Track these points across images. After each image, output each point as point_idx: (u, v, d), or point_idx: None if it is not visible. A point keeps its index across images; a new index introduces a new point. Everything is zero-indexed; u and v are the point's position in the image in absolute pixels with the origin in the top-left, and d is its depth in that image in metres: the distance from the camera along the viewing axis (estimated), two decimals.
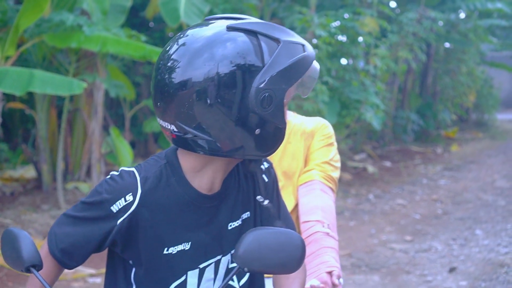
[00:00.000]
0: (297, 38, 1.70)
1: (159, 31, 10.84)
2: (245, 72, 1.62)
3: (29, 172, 8.20)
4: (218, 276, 1.87)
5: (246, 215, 1.90)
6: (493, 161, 12.50)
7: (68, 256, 1.81)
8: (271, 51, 1.65)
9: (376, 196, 9.10)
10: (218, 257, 1.85)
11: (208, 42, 1.64)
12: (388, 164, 11.72)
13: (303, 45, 1.69)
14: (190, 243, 1.79)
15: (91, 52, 7.46)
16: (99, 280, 5.54)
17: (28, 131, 9.66)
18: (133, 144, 10.30)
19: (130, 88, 8.82)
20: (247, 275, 1.90)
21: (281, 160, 2.56)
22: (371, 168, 10.78)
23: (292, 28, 9.84)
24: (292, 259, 1.62)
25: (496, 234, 7.04)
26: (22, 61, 7.98)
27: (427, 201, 8.85)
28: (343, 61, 9.84)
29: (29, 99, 8.37)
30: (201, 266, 1.82)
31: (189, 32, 1.70)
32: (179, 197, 1.79)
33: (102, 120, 7.38)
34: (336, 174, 2.59)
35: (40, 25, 6.79)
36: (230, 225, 1.86)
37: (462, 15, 14.51)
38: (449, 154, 13.39)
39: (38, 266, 1.78)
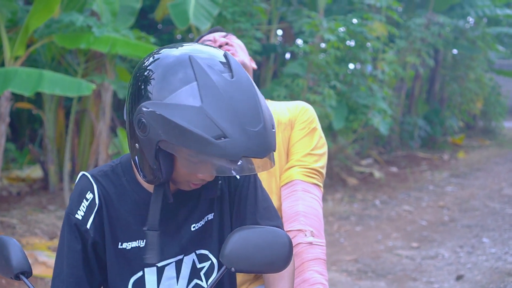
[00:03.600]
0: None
1: (168, 33, 10.86)
2: (146, 87, 1.60)
3: (35, 172, 8.20)
4: (181, 275, 1.86)
5: (210, 216, 1.88)
6: (500, 168, 12.45)
7: None
8: (189, 94, 1.54)
9: (382, 202, 9.07)
10: (179, 257, 1.84)
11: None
12: (394, 169, 11.69)
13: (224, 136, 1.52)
14: (144, 240, 1.79)
15: (100, 53, 7.46)
16: None
17: (35, 131, 9.67)
18: None
19: None
20: (215, 274, 1.88)
21: None
22: (377, 174, 10.75)
23: (301, 32, 9.84)
24: (279, 257, 1.61)
25: (504, 243, 7.00)
26: (31, 61, 7.99)
27: (433, 208, 8.82)
28: (351, 66, 9.83)
29: (37, 99, 8.38)
30: (159, 264, 1.81)
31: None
32: (129, 196, 1.80)
33: (109, 121, 7.37)
34: (321, 163, 2.40)
35: (50, 26, 6.80)
36: (194, 226, 1.85)
37: (471, 22, 14.48)
38: (456, 161, 13.35)
39: (27, 273, 1.79)
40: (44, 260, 5.59)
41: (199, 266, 1.87)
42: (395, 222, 7.93)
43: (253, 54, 8.38)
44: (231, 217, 1.92)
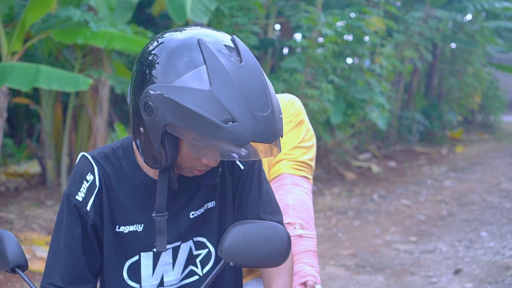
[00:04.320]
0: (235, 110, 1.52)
1: (165, 28, 10.82)
2: (151, 71, 1.60)
3: (33, 167, 8.19)
4: (177, 262, 1.86)
5: (211, 204, 1.88)
6: (499, 163, 12.46)
7: (78, 283, 1.81)
8: (196, 78, 1.54)
9: (380, 196, 9.07)
10: (176, 243, 1.84)
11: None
12: (392, 164, 11.69)
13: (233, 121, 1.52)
14: (142, 225, 1.80)
15: (97, 48, 7.45)
16: None
17: (33, 126, 9.65)
18: None
19: None
20: (211, 262, 1.88)
21: None
22: (375, 168, 10.75)
23: (298, 27, 9.82)
24: (278, 252, 1.62)
25: (502, 237, 7.00)
26: (28, 56, 7.97)
27: (431, 202, 8.82)
28: (349, 60, 9.82)
29: (35, 94, 8.36)
30: (155, 249, 1.80)
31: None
32: (129, 180, 1.81)
33: (107, 116, 7.36)
34: (309, 155, 2.40)
35: (47, 21, 6.78)
36: (193, 214, 1.85)
37: (469, 16, 14.47)
38: (454, 155, 13.36)
39: (23, 266, 1.79)
40: (42, 255, 5.58)
41: (195, 253, 1.88)
42: (393, 217, 7.93)
43: (251, 48, 8.36)
44: (233, 207, 1.91)
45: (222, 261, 1.64)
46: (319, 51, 8.88)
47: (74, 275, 1.80)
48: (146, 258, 1.83)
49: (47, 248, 5.69)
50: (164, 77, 1.55)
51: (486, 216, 7.99)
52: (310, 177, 2.42)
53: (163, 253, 1.84)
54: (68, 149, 7.85)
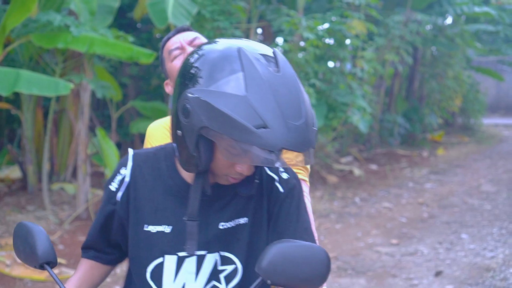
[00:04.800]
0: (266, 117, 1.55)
1: (147, 32, 10.81)
2: (191, 77, 1.64)
3: (14, 172, 8.14)
4: (201, 272, 1.84)
5: (243, 220, 1.86)
6: (479, 165, 12.56)
7: (92, 248, 1.95)
8: (233, 84, 1.58)
9: (362, 199, 9.11)
10: (202, 252, 1.83)
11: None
12: (374, 167, 11.74)
13: (264, 126, 1.53)
14: (171, 227, 1.81)
15: (78, 53, 7.42)
16: None
17: (13, 131, 9.59)
18: (119, 145, 10.26)
19: (116, 89, 8.78)
20: (237, 279, 1.86)
21: None
22: (357, 171, 10.80)
23: (280, 31, 9.85)
24: (317, 274, 1.59)
25: (482, 239, 7.06)
26: (9, 61, 7.92)
27: (413, 205, 8.87)
28: (330, 64, 9.85)
29: (15, 99, 8.32)
30: (180, 254, 1.81)
31: None
32: (164, 181, 1.83)
33: (88, 121, 7.34)
34: None
35: (27, 25, 6.75)
36: (222, 225, 1.83)
37: (449, 20, 14.58)
38: (435, 158, 13.44)
39: (52, 263, 1.79)
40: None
41: (220, 268, 1.85)
42: (375, 219, 7.97)
43: None
44: (268, 228, 1.90)
45: (260, 278, 1.62)
46: (301, 55, 8.90)
47: (95, 240, 1.94)
48: (169, 262, 1.83)
49: None
50: (204, 82, 1.61)
51: (467, 218, 8.05)
52: (307, 179, 2.49)
53: (187, 260, 1.83)
54: (49, 154, 7.81)
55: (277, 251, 1.59)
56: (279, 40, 10.11)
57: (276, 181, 1.89)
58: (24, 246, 1.79)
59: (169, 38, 2.48)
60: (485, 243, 6.85)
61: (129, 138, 10.59)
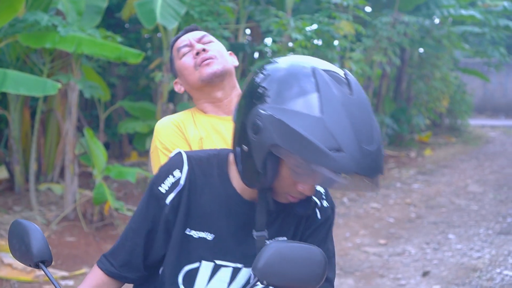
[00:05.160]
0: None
1: (135, 32, 10.80)
2: (263, 92, 1.63)
3: (1, 173, 8.10)
4: (234, 284, 1.83)
5: (281, 238, 1.83)
6: (466, 166, 12.62)
7: (130, 269, 1.84)
8: (308, 104, 1.56)
9: (350, 200, 9.13)
10: (238, 265, 1.82)
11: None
12: None
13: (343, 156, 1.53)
14: (213, 236, 1.79)
15: (66, 53, 7.40)
16: (72, 283, 5.50)
17: (0, 131, 9.55)
18: (107, 146, 10.23)
19: (104, 89, 8.76)
20: None
21: None
22: None
23: (268, 32, 9.86)
24: (313, 275, 1.59)
25: (469, 239, 7.10)
26: None
27: (400, 205, 8.91)
28: None
29: (2, 99, 8.27)
30: (217, 262, 1.80)
31: None
32: (215, 189, 1.81)
33: (76, 121, 7.31)
34: None
35: (14, 25, 6.72)
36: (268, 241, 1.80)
37: (436, 21, 14.64)
38: (423, 158, 13.50)
39: (47, 261, 1.76)
40: (9, 262, 5.53)
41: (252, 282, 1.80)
42: (363, 220, 7.99)
43: None
44: None
45: (256, 279, 1.61)
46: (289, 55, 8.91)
47: (127, 259, 1.82)
48: (205, 268, 1.81)
49: None
50: (277, 99, 1.59)
51: (454, 218, 8.10)
52: None
53: (222, 268, 1.81)
54: (37, 154, 7.78)
55: (274, 252, 1.58)
56: (268, 40, 10.12)
57: (317, 206, 1.88)
58: (20, 245, 1.78)
59: (178, 38, 2.48)
60: (472, 243, 6.89)
61: (117, 138, 10.57)
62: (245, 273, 1.82)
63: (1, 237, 6.18)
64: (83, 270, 5.79)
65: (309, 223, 1.87)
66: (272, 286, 1.60)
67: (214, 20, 8.16)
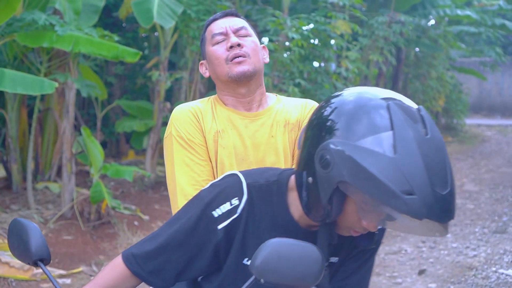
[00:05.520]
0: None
1: (132, 32, 10.81)
2: (334, 125, 1.59)
3: None
4: None
5: (334, 259, 1.83)
6: (462, 165, 12.65)
7: (159, 278, 1.78)
8: (382, 142, 1.50)
9: None
10: None
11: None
12: None
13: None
14: None
15: (63, 52, 7.41)
16: (69, 281, 5.51)
17: None
18: (104, 144, 10.25)
19: (102, 88, 8.78)
20: None
21: (265, 157, 2.32)
22: None
23: (265, 31, 9.89)
24: (311, 273, 1.58)
25: (465, 237, 7.13)
26: None
27: None
28: (315, 63, 9.89)
29: (0, 98, 8.29)
30: None
31: None
32: (273, 216, 1.76)
33: (73, 120, 7.32)
34: None
35: (12, 24, 6.73)
36: (331, 259, 1.81)
37: (432, 21, 14.68)
38: None
39: (46, 260, 1.77)
40: (7, 260, 5.54)
41: None
42: None
43: None
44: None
45: (253, 277, 1.59)
46: (286, 54, 8.94)
47: (158, 268, 1.77)
48: None
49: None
50: (347, 134, 1.54)
51: None
52: None
53: None
54: (34, 153, 7.79)
55: (271, 250, 1.57)
56: (265, 40, 10.14)
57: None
58: (19, 243, 1.79)
59: (215, 20, 2.40)
60: (468, 242, 6.92)
61: (114, 137, 10.58)
62: None
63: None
64: (80, 269, 5.80)
65: (351, 243, 1.84)
66: (269, 283, 1.59)
67: None
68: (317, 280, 1.60)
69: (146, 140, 9.03)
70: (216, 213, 1.73)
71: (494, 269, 5.98)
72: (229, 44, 2.30)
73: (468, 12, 13.54)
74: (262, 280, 1.57)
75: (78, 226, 6.70)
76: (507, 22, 15.16)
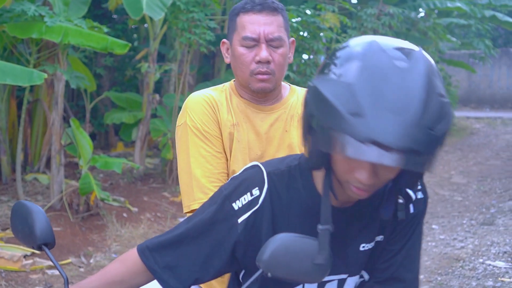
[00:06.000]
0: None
1: (122, 23, 10.78)
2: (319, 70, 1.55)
3: None
4: None
5: (379, 237, 1.76)
6: (450, 157, 12.71)
7: (173, 275, 1.70)
8: (348, 73, 1.45)
9: None
10: (343, 276, 1.73)
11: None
12: None
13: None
14: None
15: (53, 43, 7.39)
16: (58, 272, 5.51)
17: None
18: (93, 136, 10.24)
19: (91, 79, 8.76)
20: None
21: (277, 152, 2.29)
22: None
23: None
24: (317, 269, 1.56)
25: (452, 229, 7.18)
26: None
27: None
28: (305, 56, 9.90)
29: None
30: (315, 261, 1.61)
31: None
32: (302, 202, 1.70)
33: (62, 112, 7.31)
34: None
35: (1, 15, 6.70)
36: (363, 246, 1.73)
37: (422, 14, 14.71)
38: None
39: (50, 244, 1.74)
40: None
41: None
42: None
43: (207, 44, 8.39)
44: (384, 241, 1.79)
45: (260, 270, 1.57)
46: None
47: (173, 264, 1.71)
48: (310, 287, 1.73)
49: (1, 244, 5.65)
50: (323, 70, 1.51)
51: (438, 209, 8.17)
52: None
53: (328, 284, 1.73)
54: (23, 144, 7.78)
55: (280, 244, 1.55)
56: None
57: (411, 201, 1.75)
58: (23, 226, 1.75)
59: (251, 9, 2.25)
60: (455, 234, 6.97)
61: (103, 129, 10.57)
62: (350, 281, 1.76)
63: None
64: (69, 260, 5.81)
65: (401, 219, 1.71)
66: (276, 278, 1.57)
67: (201, 11, 8.17)
68: (323, 276, 1.58)
69: (135, 132, 9.02)
70: (236, 205, 1.67)
71: (481, 260, 6.02)
72: (257, 58, 2.22)
73: (458, 4, 13.56)
74: (269, 274, 1.55)
75: (67, 217, 6.70)
76: (497, 14, 15.20)
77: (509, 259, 6.00)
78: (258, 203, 1.67)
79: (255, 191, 1.67)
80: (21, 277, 5.42)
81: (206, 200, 1.79)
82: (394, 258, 1.78)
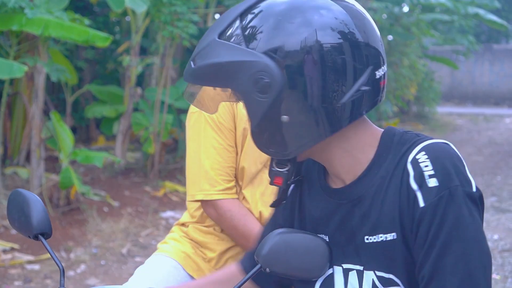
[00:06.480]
0: None
1: (103, 16, 10.70)
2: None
3: None
4: None
5: (390, 236, 1.50)
6: None
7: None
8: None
9: None
10: (359, 267, 1.58)
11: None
12: None
13: None
14: (327, 236, 1.61)
15: (33, 35, 7.31)
16: (38, 267, 5.47)
17: None
18: (74, 130, 10.15)
19: (72, 72, 8.68)
20: None
21: None
22: None
23: None
24: (317, 265, 1.56)
25: None
26: None
27: None
28: None
29: None
30: (344, 266, 1.59)
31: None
32: (315, 181, 1.67)
33: (42, 105, 7.25)
34: None
35: None
36: (367, 238, 1.55)
37: (406, 9, 14.75)
38: None
39: (47, 234, 1.70)
40: None
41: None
42: None
43: (189, 38, 8.34)
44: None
45: (258, 265, 1.54)
46: None
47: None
48: (338, 273, 1.61)
49: None
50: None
51: None
52: None
53: (350, 273, 1.57)
54: (2, 138, 7.70)
55: (280, 239, 1.53)
56: None
57: (416, 190, 1.45)
58: (19, 215, 1.71)
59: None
60: None
61: (84, 123, 10.50)
62: (367, 276, 1.58)
63: None
64: (49, 255, 5.76)
65: (411, 214, 1.46)
66: (274, 273, 1.55)
67: (183, 4, 8.11)
68: (322, 272, 1.57)
69: (117, 126, 8.97)
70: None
71: None
72: None
73: (441, 0, 13.62)
74: (267, 270, 1.53)
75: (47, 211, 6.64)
76: (480, 11, 15.28)
77: (492, 255, 6.02)
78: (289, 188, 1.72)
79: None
80: (0, 272, 5.36)
81: (211, 191, 1.91)
82: (420, 273, 1.46)
